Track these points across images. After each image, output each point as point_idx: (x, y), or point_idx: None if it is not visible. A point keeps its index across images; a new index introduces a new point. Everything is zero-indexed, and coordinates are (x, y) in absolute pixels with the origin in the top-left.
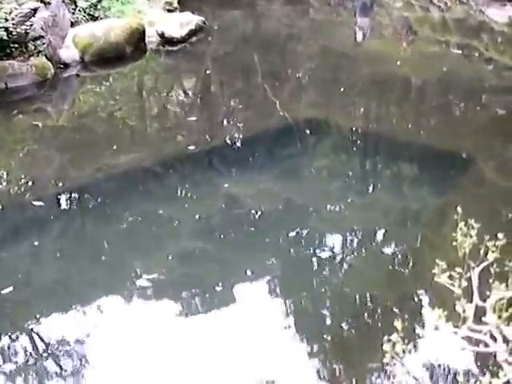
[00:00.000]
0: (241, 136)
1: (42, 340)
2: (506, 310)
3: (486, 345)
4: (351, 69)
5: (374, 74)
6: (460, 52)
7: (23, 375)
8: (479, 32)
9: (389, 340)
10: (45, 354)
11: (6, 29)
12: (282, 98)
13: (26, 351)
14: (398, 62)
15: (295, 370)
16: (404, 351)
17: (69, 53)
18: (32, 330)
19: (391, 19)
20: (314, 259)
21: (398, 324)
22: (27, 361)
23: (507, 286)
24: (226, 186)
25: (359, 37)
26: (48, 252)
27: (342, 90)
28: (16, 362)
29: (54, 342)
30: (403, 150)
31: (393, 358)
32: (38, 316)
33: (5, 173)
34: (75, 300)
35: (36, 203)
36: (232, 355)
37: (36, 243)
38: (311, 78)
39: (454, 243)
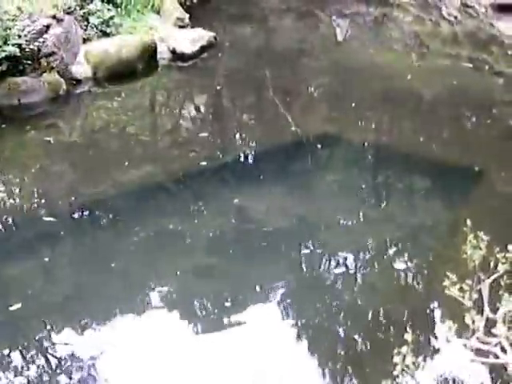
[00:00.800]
0: (252, 151)
1: (52, 358)
2: None
3: (497, 356)
4: (362, 83)
5: (385, 88)
6: (471, 65)
7: None
8: (490, 45)
9: (399, 352)
10: (55, 371)
11: (19, 45)
12: (293, 113)
13: (35, 368)
14: (409, 76)
15: (306, 382)
16: (414, 363)
17: (81, 69)
18: (40, 347)
19: (402, 33)
20: (326, 274)
21: (408, 336)
22: (37, 378)
23: None
24: (238, 201)
25: (340, 37)
26: (59, 268)
27: (353, 104)
28: (26, 379)
29: (64, 360)
30: (415, 163)
31: (403, 370)
32: (47, 333)
33: (17, 188)
34: (86, 317)
35: (47, 219)
36: (244, 371)
37: (46, 259)
38: (322, 92)
39: (465, 256)
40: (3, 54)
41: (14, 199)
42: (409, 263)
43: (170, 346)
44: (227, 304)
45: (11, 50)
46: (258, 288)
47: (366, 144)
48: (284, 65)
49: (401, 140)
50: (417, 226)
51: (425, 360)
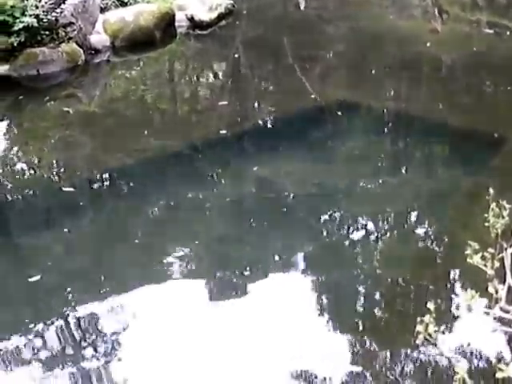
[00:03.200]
0: (272, 119)
1: (75, 325)
2: None
3: None
4: (381, 50)
5: (404, 54)
6: (491, 31)
7: (57, 362)
8: (510, 10)
9: (421, 321)
10: (78, 339)
11: (37, 16)
12: (312, 80)
13: (58, 337)
14: (428, 43)
15: (327, 350)
16: (437, 332)
17: (99, 38)
18: (64, 316)
19: None
20: (346, 241)
21: (430, 305)
22: (61, 347)
23: None
24: (258, 169)
25: (302, 5)
26: (78, 238)
27: (372, 71)
28: (49, 348)
29: (87, 328)
30: (435, 130)
31: (425, 338)
32: (71, 302)
33: (37, 159)
34: (108, 285)
35: (66, 189)
36: (263, 336)
37: (66, 229)
38: (342, 59)
39: (487, 224)
40: (21, 25)
41: (33, 170)
42: (430, 231)
43: (190, 314)
44: (248, 271)
45: (29, 20)
46: (278, 255)
47: (385, 110)
48: (303, 32)
49: (420, 106)
50: (437, 193)
51: (447, 329)
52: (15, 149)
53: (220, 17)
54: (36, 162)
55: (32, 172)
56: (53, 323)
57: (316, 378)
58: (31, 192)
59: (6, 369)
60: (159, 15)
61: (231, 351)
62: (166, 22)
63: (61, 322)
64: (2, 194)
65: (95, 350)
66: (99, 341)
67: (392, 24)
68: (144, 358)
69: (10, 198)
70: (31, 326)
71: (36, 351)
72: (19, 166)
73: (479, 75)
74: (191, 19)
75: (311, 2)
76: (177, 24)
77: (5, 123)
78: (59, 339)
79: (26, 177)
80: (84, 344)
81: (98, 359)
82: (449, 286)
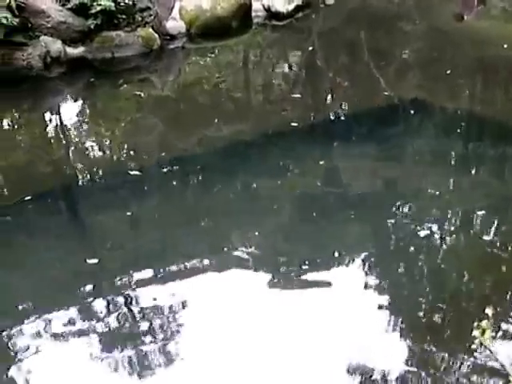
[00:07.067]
0: (344, 113)
1: (136, 307)
2: None
3: None
4: (457, 50)
5: (480, 55)
6: None
7: (115, 343)
8: None
9: (479, 326)
10: (138, 321)
11: (114, 0)
12: (386, 77)
13: (117, 319)
14: (505, 45)
15: (386, 348)
16: (494, 338)
17: (175, 25)
18: (125, 298)
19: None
20: (412, 239)
21: (489, 310)
22: (120, 327)
23: None
24: (328, 162)
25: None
26: (140, 222)
27: (447, 71)
28: (107, 329)
29: (148, 310)
30: (508, 133)
31: (481, 343)
32: (132, 284)
33: (107, 141)
34: (170, 268)
35: (133, 172)
36: (324, 332)
37: (129, 213)
38: (417, 57)
39: None
40: (98, 8)
41: (103, 151)
42: (497, 235)
43: (247, 302)
44: (308, 264)
45: (106, 4)
46: (341, 251)
47: (458, 111)
48: (379, 27)
49: (495, 109)
50: (508, 197)
51: (504, 336)
52: (86, 129)
53: (297, 8)
54: (106, 143)
55: (101, 153)
56: (112, 305)
57: (372, 376)
58: (99, 173)
59: (67, 347)
60: (236, 4)
61: (286, 344)
62: (243, 11)
63: (120, 305)
64: (72, 173)
65: (153, 334)
66: (157, 324)
67: (470, 23)
68: (197, 344)
69: (78, 178)
70: (91, 307)
71: (95, 332)
72: (89, 146)
73: None
74: (268, 10)
75: None
76: (253, 14)
77: (78, 103)
78: (118, 321)
79: (95, 157)
80: (143, 327)
81: (155, 342)
82: (510, 293)
